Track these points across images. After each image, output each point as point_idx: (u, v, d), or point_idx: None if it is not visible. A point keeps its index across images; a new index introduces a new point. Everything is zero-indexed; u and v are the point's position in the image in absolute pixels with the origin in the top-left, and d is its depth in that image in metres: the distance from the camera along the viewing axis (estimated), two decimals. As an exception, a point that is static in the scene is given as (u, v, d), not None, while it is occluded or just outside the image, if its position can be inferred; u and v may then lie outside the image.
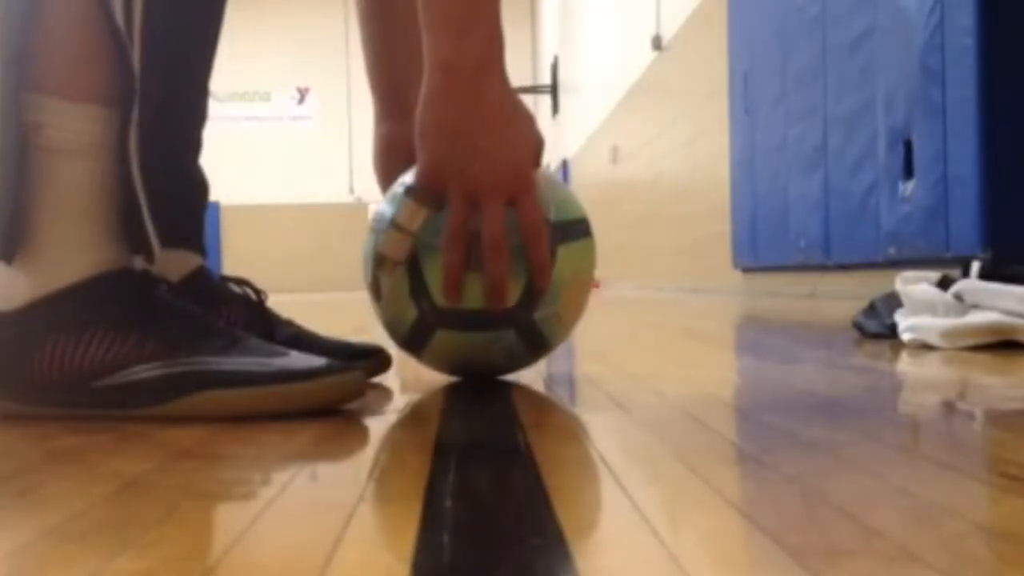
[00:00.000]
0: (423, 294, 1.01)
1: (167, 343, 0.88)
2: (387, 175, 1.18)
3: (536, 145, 1.01)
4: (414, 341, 1.05)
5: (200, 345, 0.88)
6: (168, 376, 0.87)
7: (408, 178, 1.04)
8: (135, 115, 0.92)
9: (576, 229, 1.05)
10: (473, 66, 0.95)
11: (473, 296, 0.99)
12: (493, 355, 1.05)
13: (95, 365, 0.88)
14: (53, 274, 0.90)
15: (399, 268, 1.01)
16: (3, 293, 0.91)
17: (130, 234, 0.92)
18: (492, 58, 0.97)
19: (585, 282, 1.08)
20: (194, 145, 1.14)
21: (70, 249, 0.90)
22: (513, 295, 1.00)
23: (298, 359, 0.89)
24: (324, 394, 0.88)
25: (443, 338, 1.03)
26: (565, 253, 1.02)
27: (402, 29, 1.16)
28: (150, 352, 0.88)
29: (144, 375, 0.87)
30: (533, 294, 1.01)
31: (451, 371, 1.12)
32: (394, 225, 1.00)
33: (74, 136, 0.90)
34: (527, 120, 1.01)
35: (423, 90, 0.97)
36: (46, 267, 0.90)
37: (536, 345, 1.05)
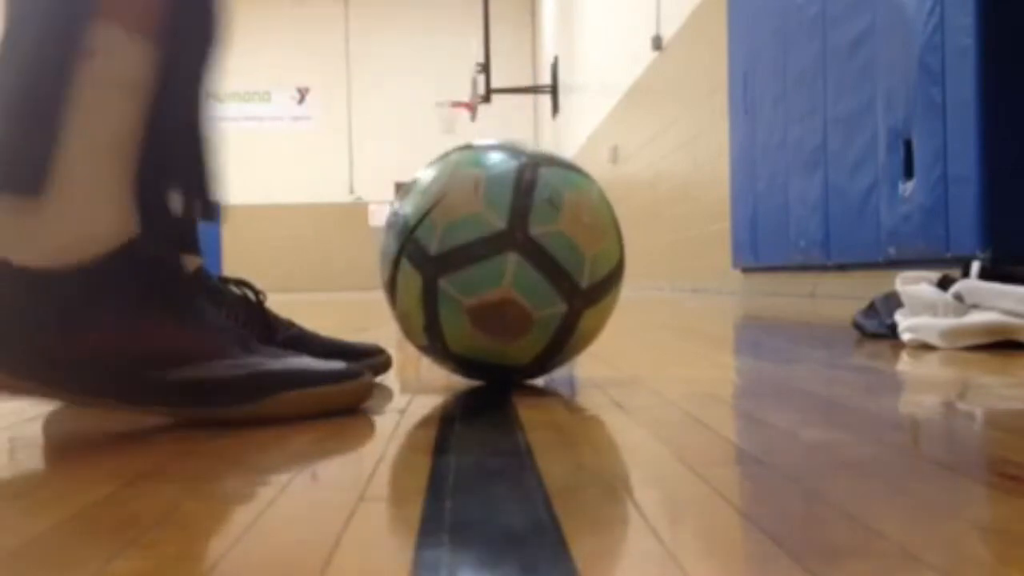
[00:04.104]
0: (437, 336, 1.01)
1: (232, 338, 0.85)
2: None
3: None
4: (424, 354, 1.08)
5: (255, 345, 0.88)
6: (255, 375, 0.84)
7: (420, 175, 1.04)
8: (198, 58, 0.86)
9: (606, 284, 1.03)
10: None
11: (487, 352, 1.01)
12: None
13: (151, 353, 0.80)
14: (92, 231, 0.80)
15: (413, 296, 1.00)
16: (33, 243, 0.78)
17: (194, 188, 0.86)
18: None
19: (602, 329, 1.07)
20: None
21: (107, 200, 0.81)
22: (532, 351, 1.01)
23: (321, 362, 0.91)
24: (360, 394, 0.91)
25: (453, 366, 1.07)
26: (590, 315, 1.02)
27: None
28: (219, 346, 0.83)
29: (226, 372, 0.83)
30: (551, 357, 1.02)
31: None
32: None
33: (129, 71, 0.81)
34: None
35: None
36: (84, 219, 0.80)
37: (542, 375, 1.10)
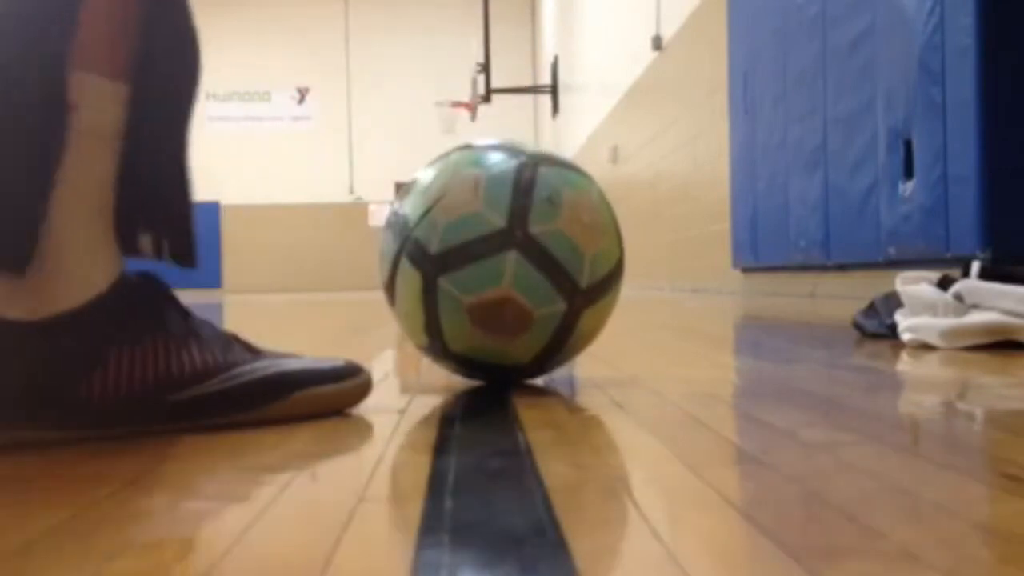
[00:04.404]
0: (437, 335, 1.02)
1: (232, 347, 0.86)
2: None
3: None
4: (424, 353, 1.08)
5: (254, 347, 0.88)
6: (263, 381, 0.85)
7: (420, 175, 1.04)
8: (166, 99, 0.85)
9: (606, 284, 1.03)
10: None
11: (487, 351, 1.01)
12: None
13: (169, 376, 0.81)
14: (85, 278, 0.80)
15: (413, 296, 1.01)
16: (18, 299, 0.78)
17: (173, 235, 0.85)
18: None
19: (601, 328, 1.08)
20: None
21: (95, 247, 0.81)
22: (532, 350, 1.01)
23: (320, 360, 0.91)
24: (362, 391, 0.92)
25: (452, 365, 1.07)
26: (589, 314, 1.02)
27: None
28: (223, 360, 0.84)
29: (235, 383, 0.83)
30: (550, 356, 1.03)
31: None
32: None
33: (107, 118, 0.80)
34: None
35: None
36: (76, 269, 0.79)
37: (541, 374, 1.11)
